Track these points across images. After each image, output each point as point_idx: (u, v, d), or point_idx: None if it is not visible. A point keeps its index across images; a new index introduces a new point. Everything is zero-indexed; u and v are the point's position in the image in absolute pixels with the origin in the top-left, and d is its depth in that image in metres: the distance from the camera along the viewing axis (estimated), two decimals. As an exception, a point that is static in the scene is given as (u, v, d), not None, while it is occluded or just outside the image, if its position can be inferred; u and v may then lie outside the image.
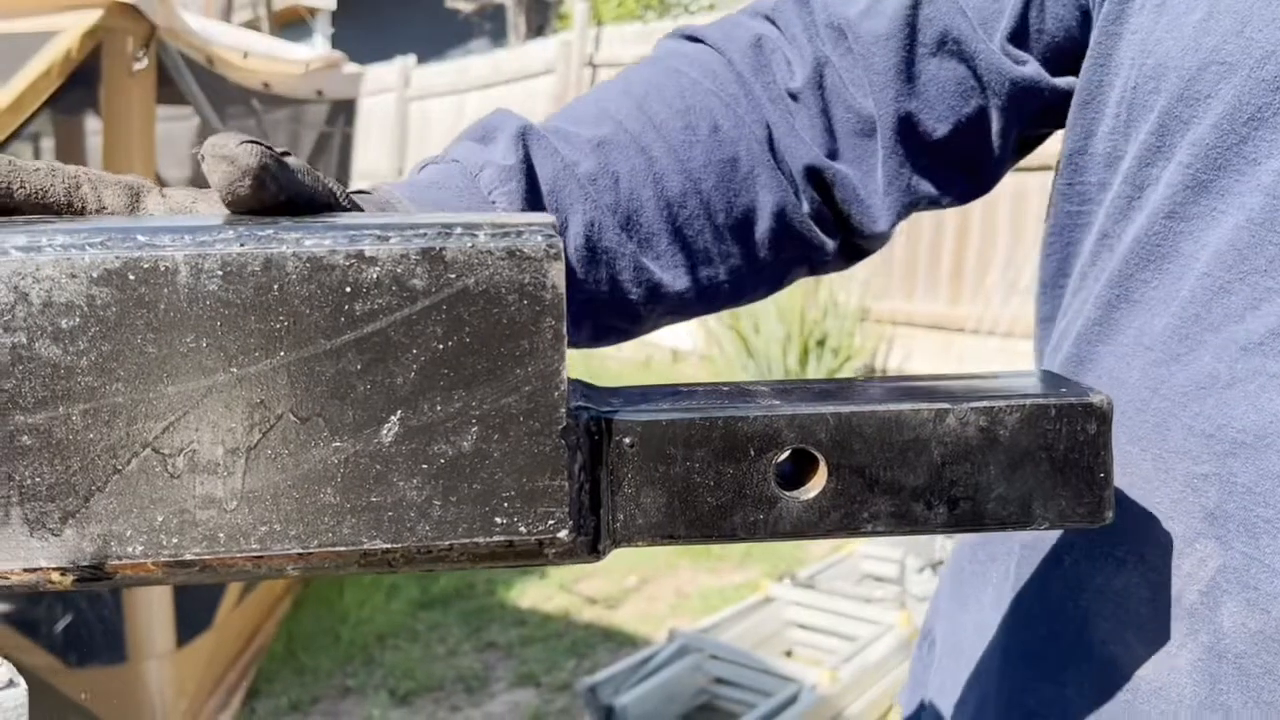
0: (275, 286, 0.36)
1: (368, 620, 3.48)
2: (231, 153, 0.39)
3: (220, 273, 0.36)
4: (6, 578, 0.38)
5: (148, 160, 2.85)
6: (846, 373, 5.26)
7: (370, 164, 9.31)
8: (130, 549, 0.37)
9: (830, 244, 0.66)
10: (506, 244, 0.37)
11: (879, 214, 0.65)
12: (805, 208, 0.65)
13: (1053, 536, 0.63)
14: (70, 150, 4.73)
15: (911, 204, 0.66)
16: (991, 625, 0.68)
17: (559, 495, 0.39)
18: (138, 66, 2.73)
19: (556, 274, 0.37)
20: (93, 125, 4.39)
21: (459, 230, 0.37)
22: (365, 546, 0.38)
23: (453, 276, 0.37)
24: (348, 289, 0.37)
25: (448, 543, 0.39)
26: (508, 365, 0.37)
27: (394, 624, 3.48)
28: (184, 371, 0.36)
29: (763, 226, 0.63)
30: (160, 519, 0.37)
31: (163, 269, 0.36)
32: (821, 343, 5.25)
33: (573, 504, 0.39)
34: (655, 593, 3.64)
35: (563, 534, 0.39)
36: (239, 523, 0.37)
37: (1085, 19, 0.62)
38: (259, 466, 0.37)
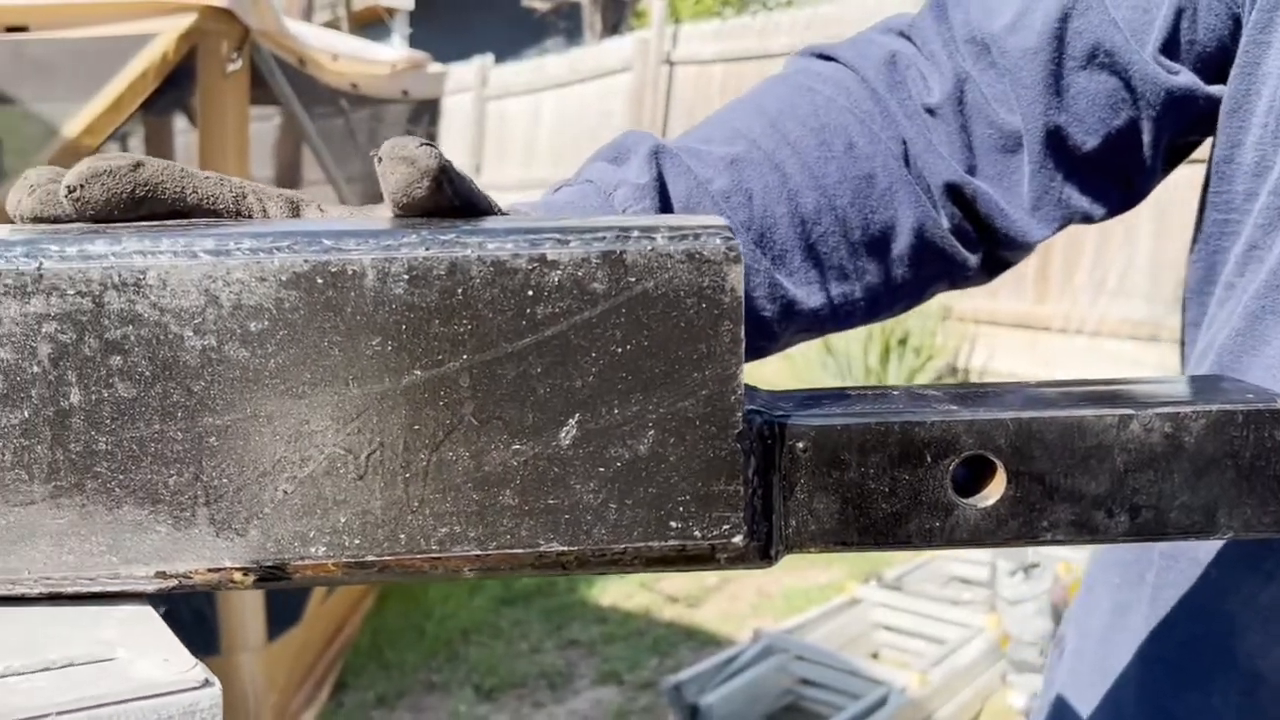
0: (459, 290, 0.36)
1: (451, 616, 3.51)
2: (412, 154, 0.39)
3: (406, 277, 0.36)
4: (190, 577, 0.38)
5: (242, 160, 2.90)
6: (928, 372, 5.20)
7: (448, 163, 9.38)
8: (313, 550, 0.38)
9: (972, 259, 0.66)
10: (686, 247, 0.37)
11: (1027, 227, 0.65)
12: (945, 223, 0.64)
13: (1195, 545, 0.62)
14: (161, 150, 4.83)
15: (1066, 218, 0.65)
16: (1127, 631, 0.66)
17: (734, 500, 0.38)
18: (232, 68, 2.78)
19: (736, 277, 0.37)
20: (181, 124, 4.48)
21: (636, 233, 0.37)
22: (542, 549, 0.38)
23: (632, 280, 0.37)
24: (529, 292, 0.36)
25: (622, 546, 0.39)
26: (685, 369, 0.37)
27: (477, 620, 3.50)
28: (368, 374, 0.37)
29: (901, 243, 0.63)
30: (343, 520, 0.37)
31: (350, 273, 0.36)
32: (903, 341, 5.19)
33: (747, 509, 0.38)
34: (737, 592, 3.63)
35: (737, 539, 0.39)
36: (419, 524, 0.38)
37: (1237, 27, 0.60)
38: (440, 469, 0.37)
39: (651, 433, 0.38)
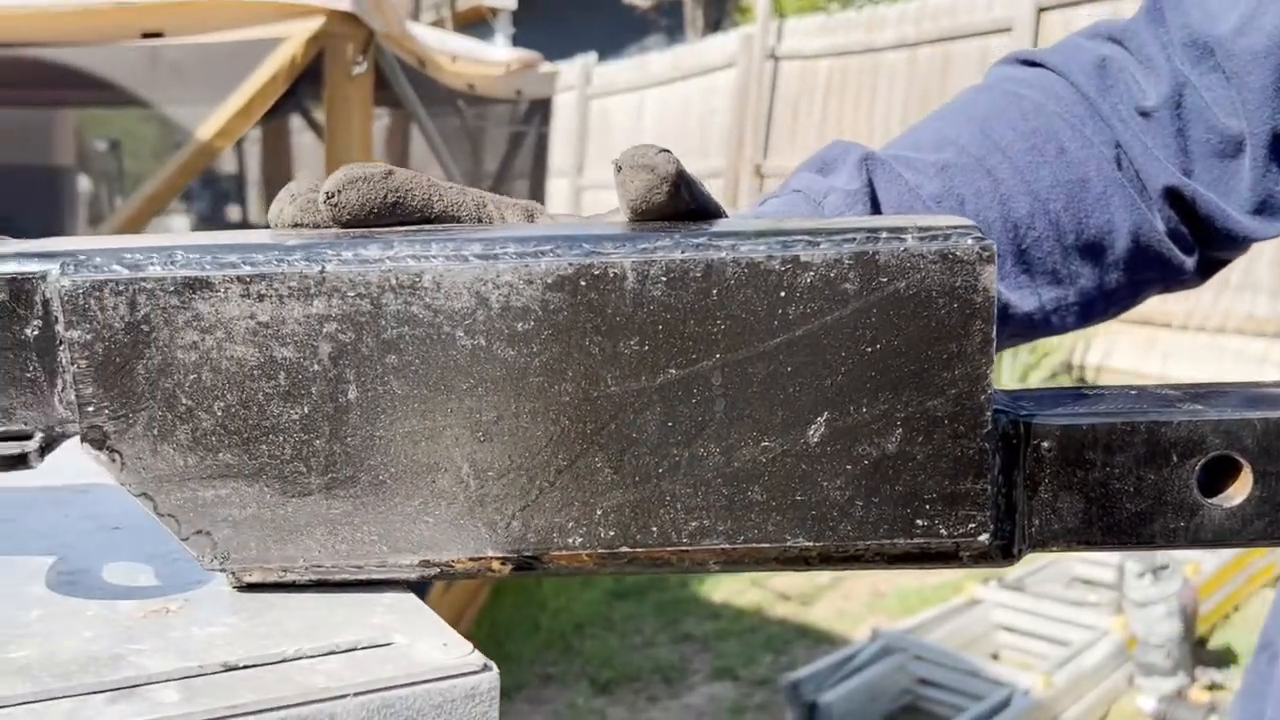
0: (714, 291, 0.37)
1: (565, 609, 3.55)
2: (652, 161, 0.40)
3: (664, 278, 0.37)
4: (452, 566, 0.40)
5: (365, 157, 2.96)
6: (1043, 369, 5.11)
7: (551, 161, 9.46)
8: (571, 540, 0.39)
9: (1189, 261, 0.66)
10: (938, 247, 0.37)
11: (1252, 227, 0.64)
12: (1161, 226, 0.64)
13: None
14: (278, 151, 4.96)
15: None
16: None
17: (981, 499, 0.39)
18: (357, 70, 2.84)
19: (988, 277, 0.37)
20: (296, 124, 4.59)
21: (885, 234, 0.38)
22: (788, 544, 0.39)
23: (884, 280, 0.37)
24: (782, 293, 0.37)
25: (866, 543, 0.39)
26: (935, 368, 0.38)
27: (590, 614, 3.54)
28: (626, 372, 0.38)
29: (1119, 247, 0.63)
30: (599, 512, 0.39)
31: (611, 275, 0.37)
32: (1016, 338, 5.10)
33: (992, 508, 0.39)
34: (850, 590, 3.61)
35: (982, 538, 0.39)
36: (671, 518, 0.39)
37: None
38: (692, 464, 0.38)
39: (899, 431, 0.38)
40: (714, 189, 9.51)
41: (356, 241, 0.38)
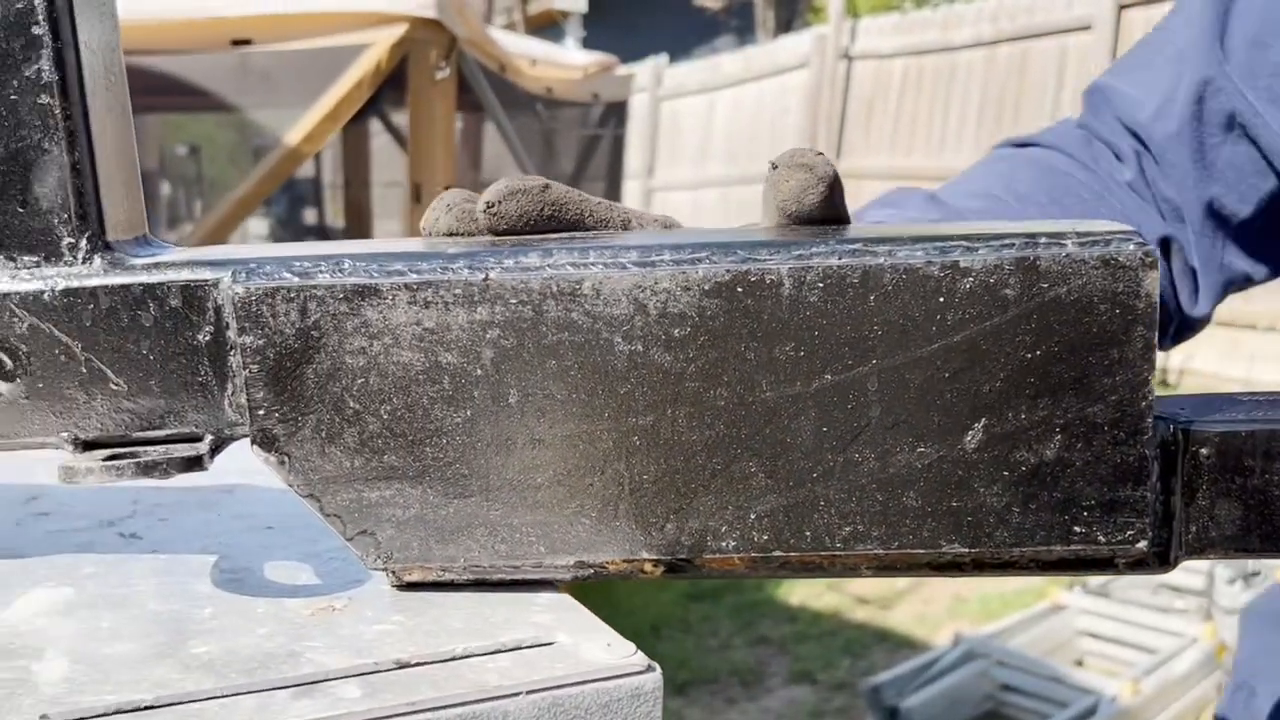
0: (871, 297, 0.38)
1: (641, 610, 3.56)
2: (810, 161, 0.41)
3: (821, 284, 0.38)
4: (605, 567, 0.41)
5: (448, 162, 3.00)
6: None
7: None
8: (724, 544, 0.39)
9: (1191, 308, 0.73)
10: (1100, 252, 0.37)
11: (1200, 294, 0.72)
12: (1167, 271, 0.71)
13: None
14: (358, 153, 5.02)
15: (1228, 282, 0.72)
16: None
17: (1140, 506, 0.38)
18: (440, 75, 2.87)
19: (1151, 283, 0.37)
20: (374, 128, 4.65)
21: (1044, 239, 0.38)
22: (943, 550, 0.39)
23: (1044, 286, 0.37)
24: (940, 299, 0.37)
25: (1022, 550, 0.39)
26: (1095, 374, 0.38)
27: (666, 615, 3.54)
28: (781, 378, 0.38)
29: None
30: (753, 516, 0.39)
31: (768, 281, 0.38)
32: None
33: (1150, 515, 0.39)
34: (930, 595, 3.58)
35: (1140, 545, 0.39)
36: (825, 523, 0.39)
37: None
38: (847, 469, 0.39)
39: (1059, 437, 0.38)
40: (786, 190, 9.46)
41: (517, 250, 0.39)
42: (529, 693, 0.34)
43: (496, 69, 3.18)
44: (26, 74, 0.38)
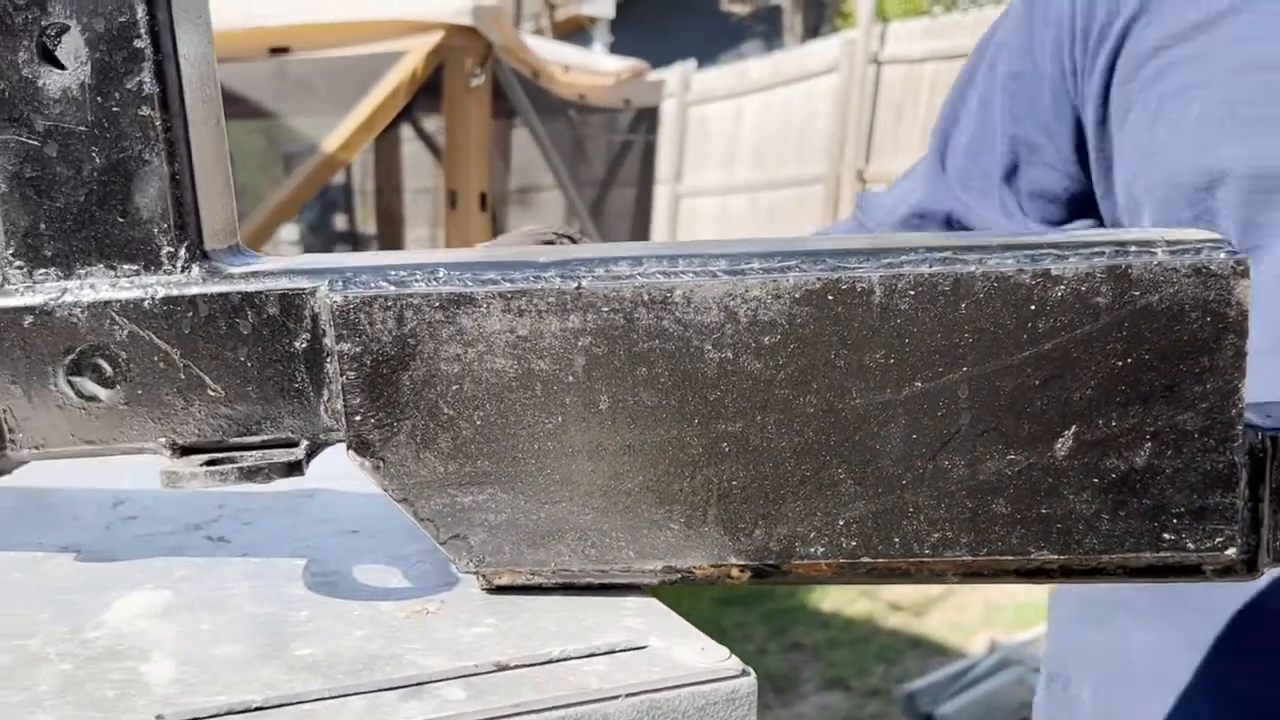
0: (962, 305, 0.38)
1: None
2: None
3: (912, 292, 0.38)
4: (692, 572, 0.41)
5: (482, 169, 3.01)
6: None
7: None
8: (813, 550, 0.40)
9: None
10: (1191, 261, 0.37)
11: None
12: None
13: None
14: (389, 158, 5.05)
15: None
16: (1175, 640, 0.72)
17: (1229, 513, 0.39)
18: (475, 83, 2.89)
19: (1243, 291, 0.37)
20: (405, 133, 4.67)
21: (1134, 248, 0.38)
22: (1032, 557, 0.39)
23: (1136, 294, 0.37)
24: (1031, 307, 0.38)
25: (1110, 557, 0.39)
26: (1185, 382, 0.38)
27: (699, 621, 3.51)
28: (871, 385, 0.39)
29: None
30: (842, 523, 0.39)
31: (859, 289, 0.38)
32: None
33: (1240, 522, 0.39)
34: (964, 602, 3.56)
35: (1230, 552, 0.39)
36: (914, 529, 0.39)
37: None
38: (937, 476, 0.39)
39: (1149, 445, 0.38)
40: (815, 195, 9.43)
41: (607, 258, 0.39)
42: (627, 696, 0.35)
43: (530, 76, 3.19)
44: (128, 86, 0.39)
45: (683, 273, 0.39)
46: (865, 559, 0.40)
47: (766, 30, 16.38)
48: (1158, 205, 0.71)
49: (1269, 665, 0.67)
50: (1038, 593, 3.58)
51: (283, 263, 0.41)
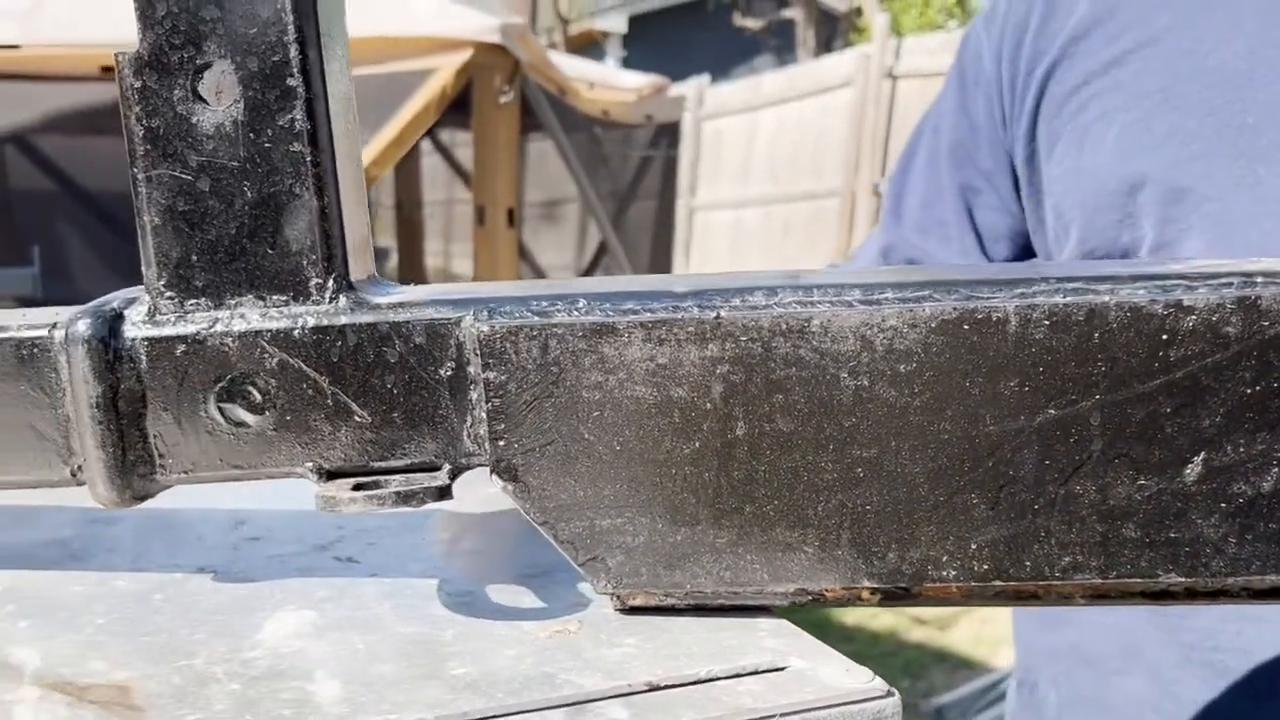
0: (1095, 334, 0.39)
1: (697, 630, 3.56)
2: None
3: (1047, 322, 0.39)
4: (824, 594, 0.42)
5: (510, 183, 3.03)
6: None
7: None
8: (944, 573, 0.41)
9: None
10: (1320, 293, 0.38)
11: None
12: None
13: None
14: (410, 172, 5.07)
15: None
16: (1136, 615, 0.80)
17: None
18: (504, 100, 2.91)
19: (1371, 321, 0.38)
20: (424, 147, 4.70)
21: (1261, 278, 0.39)
22: (1159, 579, 0.40)
23: (1265, 324, 0.38)
24: (1164, 336, 0.39)
25: (1236, 579, 0.40)
26: None
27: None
28: (1005, 412, 0.40)
29: None
30: (974, 546, 0.41)
31: (994, 319, 0.39)
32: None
33: None
34: (989, 615, 3.56)
35: (1355, 573, 0.40)
36: (1045, 553, 0.40)
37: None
38: (1068, 501, 0.40)
39: (1275, 470, 0.39)
40: (830, 209, 9.44)
41: (742, 289, 0.41)
42: (782, 716, 0.36)
43: (557, 92, 3.21)
44: (280, 123, 0.40)
45: (818, 302, 0.40)
46: (996, 582, 0.41)
47: (779, 44, 16.41)
48: (1086, 215, 0.81)
49: (1221, 613, 0.75)
50: (1062, 607, 3.58)
51: (424, 293, 0.43)
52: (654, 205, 4.44)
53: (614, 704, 0.36)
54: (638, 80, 4.13)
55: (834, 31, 14.06)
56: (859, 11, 12.93)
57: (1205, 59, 0.77)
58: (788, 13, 14.63)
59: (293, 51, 0.40)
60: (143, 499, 0.43)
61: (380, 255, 5.87)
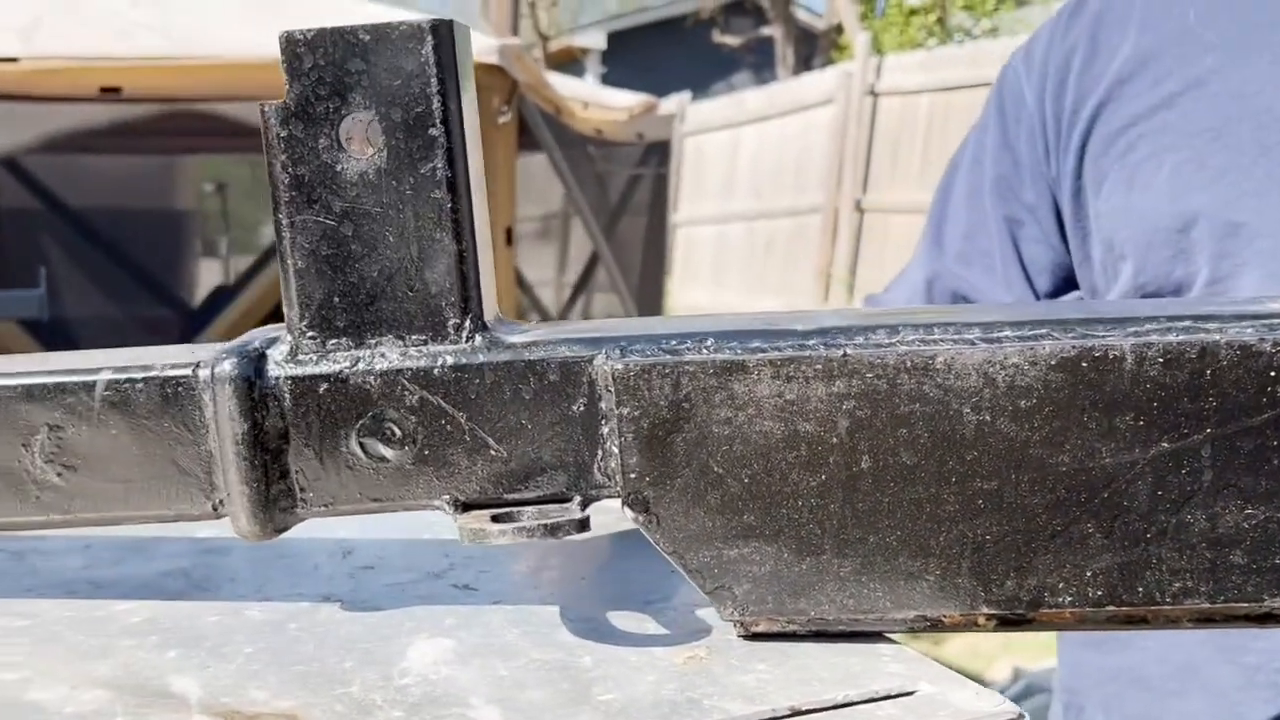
0: (1207, 371, 0.41)
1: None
2: None
3: (1161, 360, 0.41)
4: (942, 621, 0.44)
5: (509, 202, 3.04)
6: None
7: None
8: (1060, 599, 0.43)
9: None
10: None
11: None
12: None
13: None
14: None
15: None
16: (1192, 636, 0.82)
17: None
18: (502, 119, 2.93)
19: None
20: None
21: (1360, 318, 0.41)
22: (1265, 603, 0.42)
23: None
24: (1271, 373, 0.41)
25: (1337, 602, 0.42)
26: None
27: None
28: (1121, 445, 0.42)
29: None
30: (1089, 574, 0.42)
31: (1111, 356, 0.41)
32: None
33: None
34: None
35: None
36: (1156, 579, 0.42)
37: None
38: (1179, 530, 0.42)
39: None
40: (813, 225, 9.46)
41: (863, 326, 0.42)
42: (925, 737, 0.37)
43: (553, 112, 3.24)
44: (422, 171, 0.42)
45: (941, 340, 0.42)
46: (1109, 607, 0.43)
47: (757, 62, 16.48)
48: (1140, 252, 0.84)
49: None
50: (1054, 621, 3.60)
51: (554, 332, 0.44)
52: (644, 222, 4.46)
53: (766, 728, 0.37)
54: (628, 99, 4.16)
55: (813, 49, 14.15)
56: (839, 29, 13.02)
57: (1254, 100, 0.80)
58: (766, 30, 14.72)
59: (435, 103, 0.42)
60: (281, 531, 0.44)
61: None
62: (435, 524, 0.58)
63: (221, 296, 3.77)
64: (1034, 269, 0.96)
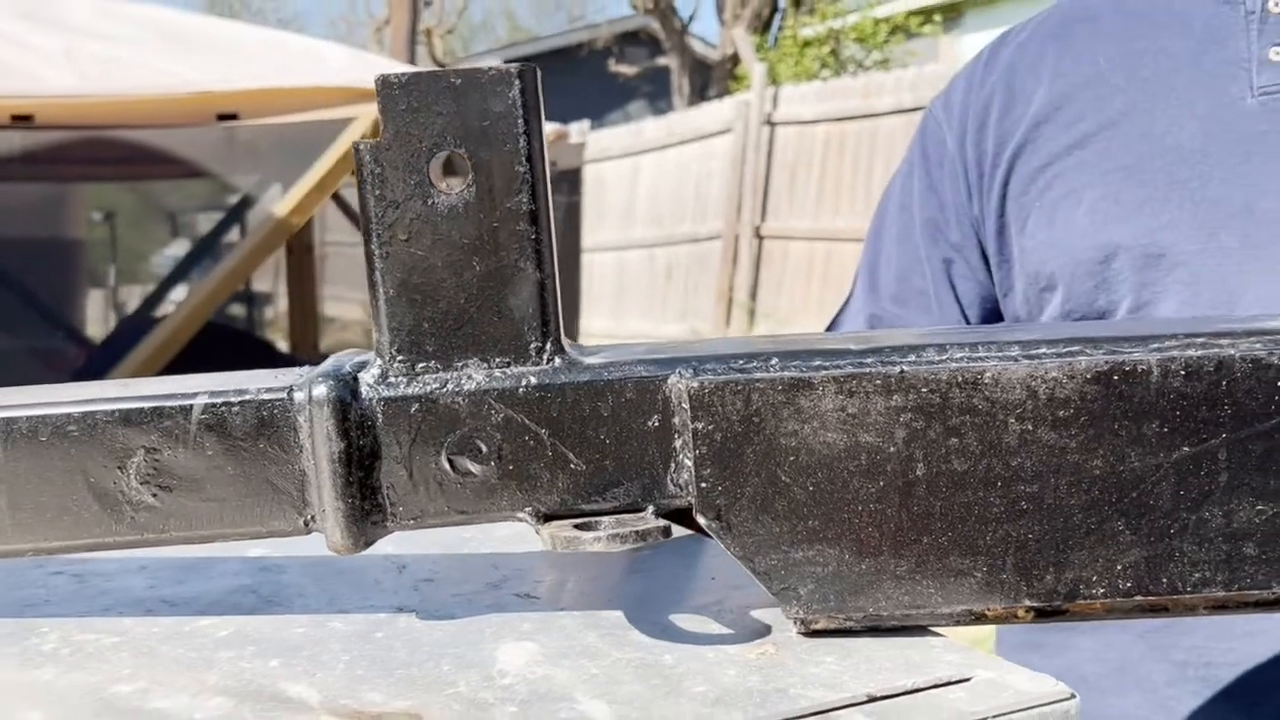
0: (1223, 382, 0.46)
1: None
2: None
3: (1183, 372, 0.46)
4: (985, 614, 0.48)
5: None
6: None
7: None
8: (1094, 591, 0.47)
9: None
10: (1404, 345, 0.46)
11: None
12: None
13: None
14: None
15: None
16: (1127, 633, 0.88)
17: None
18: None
19: None
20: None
21: (1351, 334, 0.46)
22: (1274, 590, 0.47)
23: None
24: (1279, 382, 0.46)
25: (1337, 587, 0.47)
26: None
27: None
28: (1147, 450, 0.46)
29: None
30: (1119, 567, 0.47)
31: (1140, 370, 0.46)
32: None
33: None
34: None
35: None
36: (1178, 571, 0.47)
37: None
38: (1199, 525, 0.46)
39: None
40: (713, 251, 9.55)
41: (914, 347, 0.46)
42: (995, 717, 0.41)
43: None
44: (509, 205, 0.45)
45: (986, 357, 0.46)
46: (1136, 597, 0.47)
47: (653, 91, 16.64)
48: (1066, 283, 0.90)
49: (1213, 631, 0.83)
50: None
51: (624, 353, 0.47)
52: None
53: (854, 713, 0.41)
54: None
55: (708, 79, 14.35)
56: (734, 60, 13.24)
57: (1163, 139, 0.87)
58: (662, 60, 14.89)
59: (521, 142, 0.45)
60: (370, 544, 0.46)
61: (264, 300, 5.78)
62: (471, 539, 0.60)
63: (127, 330, 3.70)
64: (966, 302, 1.01)
